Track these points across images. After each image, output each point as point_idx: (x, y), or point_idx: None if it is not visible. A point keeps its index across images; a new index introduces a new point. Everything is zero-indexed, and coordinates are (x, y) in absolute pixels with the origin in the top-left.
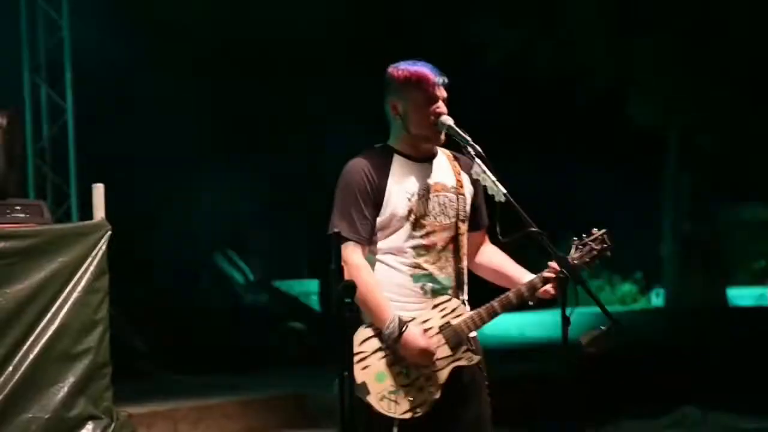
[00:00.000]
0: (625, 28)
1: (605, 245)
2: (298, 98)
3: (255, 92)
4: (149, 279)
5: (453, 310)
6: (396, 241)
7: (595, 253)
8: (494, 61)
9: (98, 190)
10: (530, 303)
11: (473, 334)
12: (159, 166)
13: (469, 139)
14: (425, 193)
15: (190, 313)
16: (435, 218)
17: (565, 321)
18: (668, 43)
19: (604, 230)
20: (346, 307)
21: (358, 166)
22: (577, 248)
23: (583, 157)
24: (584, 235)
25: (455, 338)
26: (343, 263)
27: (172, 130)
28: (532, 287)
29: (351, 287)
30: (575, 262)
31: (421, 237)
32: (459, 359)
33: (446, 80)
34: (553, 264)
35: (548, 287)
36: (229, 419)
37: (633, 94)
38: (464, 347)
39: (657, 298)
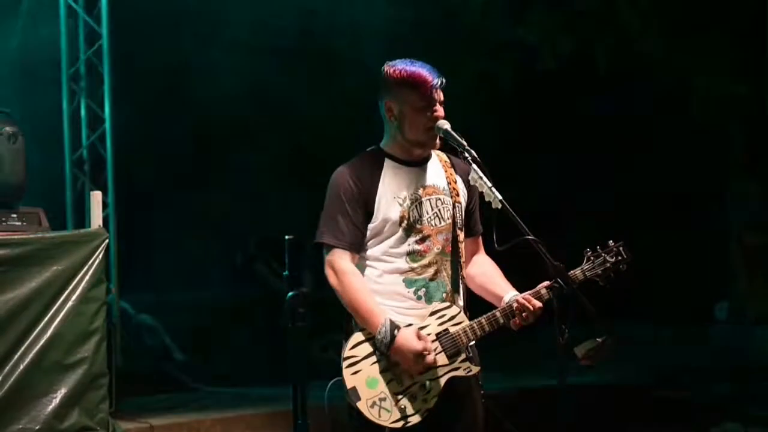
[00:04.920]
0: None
1: (620, 258)
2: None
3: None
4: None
5: (452, 318)
6: (390, 246)
7: (608, 265)
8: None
9: (96, 198)
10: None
11: (472, 343)
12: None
13: (465, 143)
14: (418, 197)
15: (228, 324)
16: (429, 222)
17: (561, 333)
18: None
19: (620, 242)
20: (298, 317)
21: (345, 173)
22: (588, 259)
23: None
24: (599, 247)
25: (453, 347)
26: (329, 270)
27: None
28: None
29: (302, 296)
30: (586, 273)
31: (416, 242)
32: (456, 369)
33: (444, 81)
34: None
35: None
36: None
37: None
38: (462, 357)
39: (720, 312)
